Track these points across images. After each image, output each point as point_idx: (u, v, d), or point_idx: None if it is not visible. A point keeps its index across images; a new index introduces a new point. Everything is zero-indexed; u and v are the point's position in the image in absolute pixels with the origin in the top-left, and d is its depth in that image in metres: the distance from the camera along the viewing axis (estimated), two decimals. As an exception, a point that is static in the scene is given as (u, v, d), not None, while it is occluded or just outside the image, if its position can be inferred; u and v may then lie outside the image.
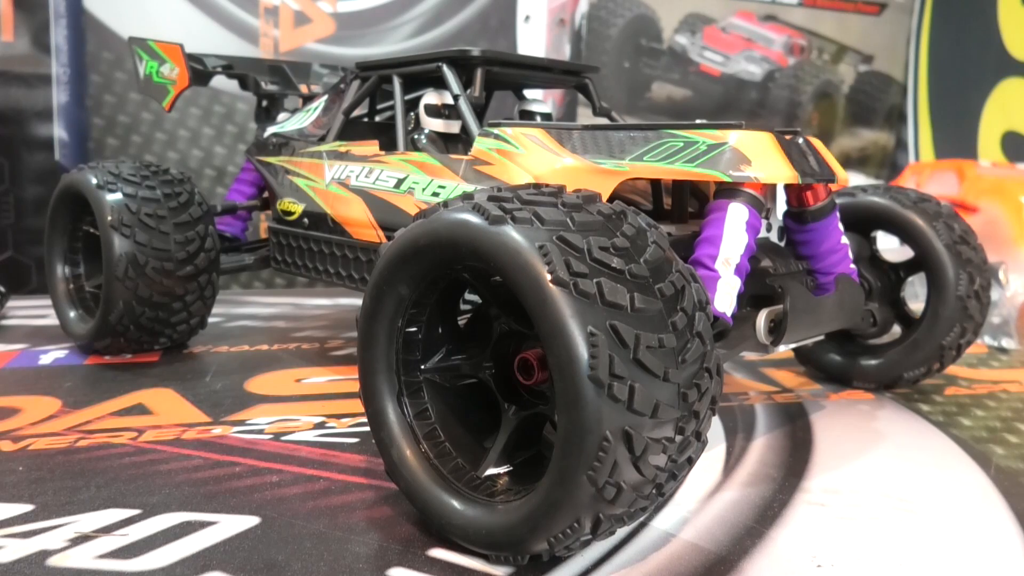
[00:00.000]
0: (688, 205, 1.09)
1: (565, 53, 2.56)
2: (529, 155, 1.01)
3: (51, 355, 1.41)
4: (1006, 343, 1.65)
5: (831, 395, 1.27)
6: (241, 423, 1.08)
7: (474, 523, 0.70)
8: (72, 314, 1.44)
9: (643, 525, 0.80)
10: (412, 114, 1.27)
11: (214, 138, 2.23)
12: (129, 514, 0.80)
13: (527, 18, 2.47)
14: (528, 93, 1.44)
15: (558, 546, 0.65)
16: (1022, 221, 1.91)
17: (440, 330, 0.80)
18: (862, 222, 1.23)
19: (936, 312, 1.17)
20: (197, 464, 0.94)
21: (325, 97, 1.44)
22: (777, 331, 0.93)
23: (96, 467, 0.92)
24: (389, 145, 1.23)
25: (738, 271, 0.89)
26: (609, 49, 2.62)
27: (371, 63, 1.31)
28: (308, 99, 1.58)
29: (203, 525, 0.78)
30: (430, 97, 1.24)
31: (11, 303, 1.86)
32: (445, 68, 1.18)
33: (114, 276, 1.27)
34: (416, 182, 1.12)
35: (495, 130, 1.06)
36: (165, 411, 1.12)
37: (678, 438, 0.63)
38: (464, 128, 1.20)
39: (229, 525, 0.78)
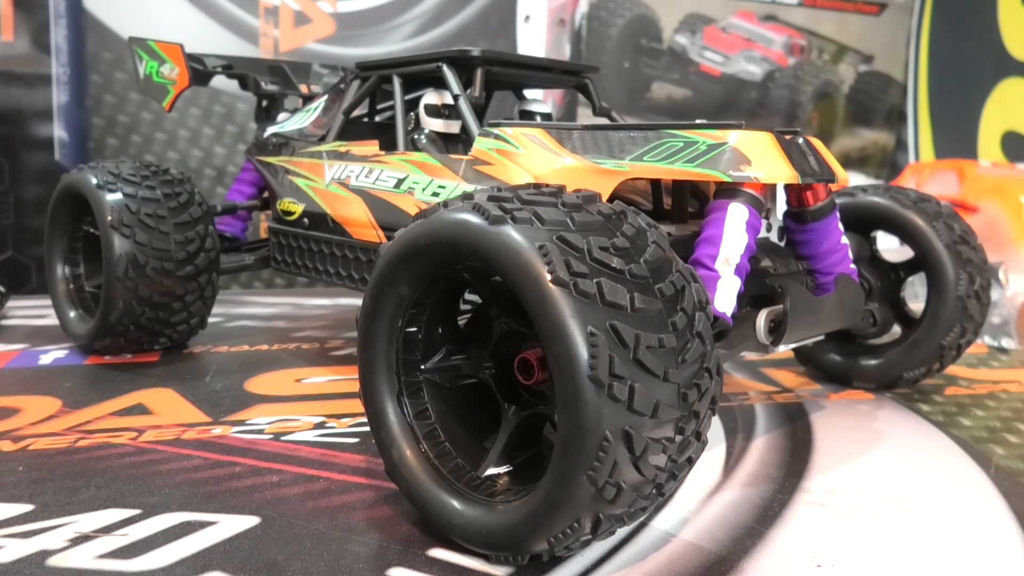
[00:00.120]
0: (688, 205, 1.09)
1: (565, 53, 2.56)
2: (529, 155, 1.01)
3: (51, 355, 1.41)
4: (1006, 343, 1.65)
5: (831, 395, 1.27)
6: (241, 423, 1.08)
7: (474, 523, 0.70)
8: (72, 314, 1.44)
9: (643, 525, 0.80)
10: (412, 114, 1.27)
11: (214, 138, 2.23)
12: (129, 514, 0.80)
13: (527, 18, 2.47)
14: (528, 93, 1.44)
15: (558, 546, 0.65)
16: (1022, 221, 1.91)
17: (440, 330, 0.80)
18: (862, 222, 1.23)
19: (936, 312, 1.17)
20: (197, 464, 0.94)
21: (325, 97, 1.44)
22: (777, 331, 0.93)
23: (96, 467, 0.92)
24: (389, 145, 1.23)
25: (738, 271, 0.89)
26: (609, 49, 2.62)
27: (371, 63, 1.31)
28: (308, 99, 1.58)
29: (203, 525, 0.78)
30: (430, 97, 1.24)
31: (11, 303, 1.86)
32: (445, 68, 1.18)
33: (114, 276, 1.27)
34: (416, 182, 1.12)
35: (495, 130, 1.06)
36: (165, 411, 1.12)
37: (678, 438, 0.63)
38: (464, 128, 1.20)
39: (229, 525, 0.78)
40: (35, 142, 2.05)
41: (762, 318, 0.93)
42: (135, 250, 1.27)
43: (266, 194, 1.57)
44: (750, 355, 1.36)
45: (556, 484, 0.62)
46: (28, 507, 0.81)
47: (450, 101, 1.23)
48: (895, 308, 1.25)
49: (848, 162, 2.94)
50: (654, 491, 0.64)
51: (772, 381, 1.34)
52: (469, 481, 0.74)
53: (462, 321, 0.82)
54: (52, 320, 1.54)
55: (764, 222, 0.95)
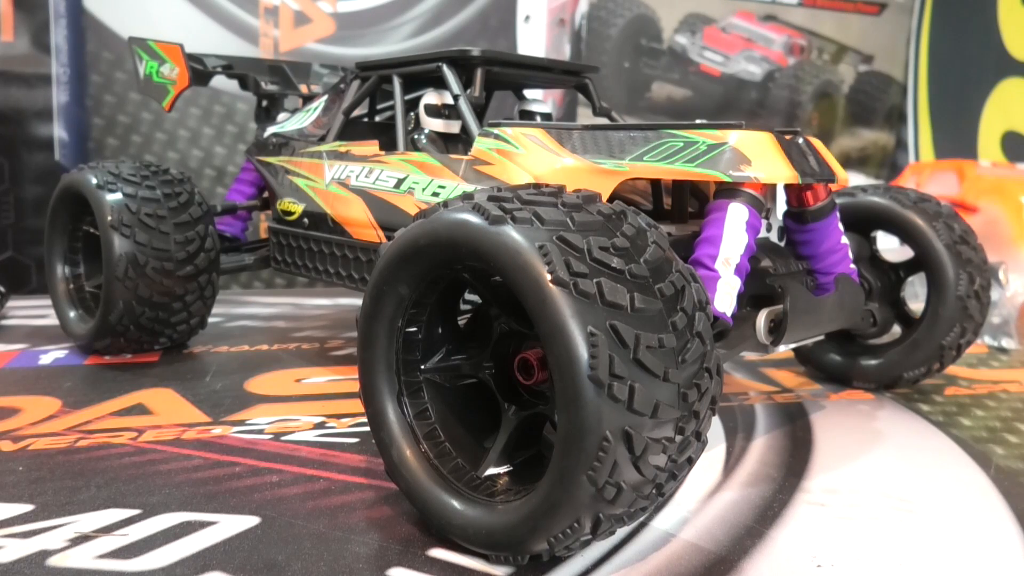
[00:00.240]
0: (688, 205, 1.09)
1: (565, 53, 2.56)
2: (529, 155, 1.01)
3: (51, 355, 1.41)
4: (1006, 343, 1.65)
5: (831, 395, 1.27)
6: (241, 423, 1.08)
7: (474, 523, 0.70)
8: (72, 314, 1.44)
9: (643, 525, 0.80)
10: (412, 114, 1.27)
11: (214, 138, 2.23)
12: (129, 514, 0.80)
13: (527, 18, 2.47)
14: (528, 93, 1.44)
15: (558, 546, 0.65)
16: (1022, 221, 1.91)
17: (440, 330, 0.80)
18: (862, 222, 1.23)
19: (936, 312, 1.17)
20: (197, 464, 0.94)
21: (325, 97, 1.44)
22: (777, 331, 0.93)
23: (96, 467, 0.92)
24: (389, 145, 1.23)
25: (738, 271, 0.89)
26: (609, 49, 2.62)
27: (371, 63, 1.31)
28: (308, 99, 1.58)
29: (203, 525, 0.78)
30: (430, 97, 1.24)
31: (11, 303, 1.86)
32: (445, 68, 1.18)
33: (114, 276, 1.27)
34: (416, 182, 1.12)
35: (495, 130, 1.06)
36: (165, 411, 1.12)
37: (678, 438, 0.63)
38: (464, 128, 1.20)
39: (229, 525, 0.78)
40: (35, 142, 2.05)
41: (762, 318, 0.93)
42: (135, 250, 1.27)
43: (266, 194, 1.57)
44: (750, 355, 1.36)
45: (556, 484, 0.62)
46: (28, 507, 0.81)
47: (450, 101, 1.23)
48: (895, 308, 1.25)
49: (848, 162, 2.94)
50: (654, 491, 0.64)
51: (772, 381, 1.34)
52: (469, 481, 0.74)
53: (462, 321, 0.82)
54: (52, 320, 1.54)
55: (764, 222, 0.95)
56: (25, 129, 2.03)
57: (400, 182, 1.15)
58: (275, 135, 1.44)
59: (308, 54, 2.23)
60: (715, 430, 1.08)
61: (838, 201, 1.16)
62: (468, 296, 0.81)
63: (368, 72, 1.31)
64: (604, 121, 1.35)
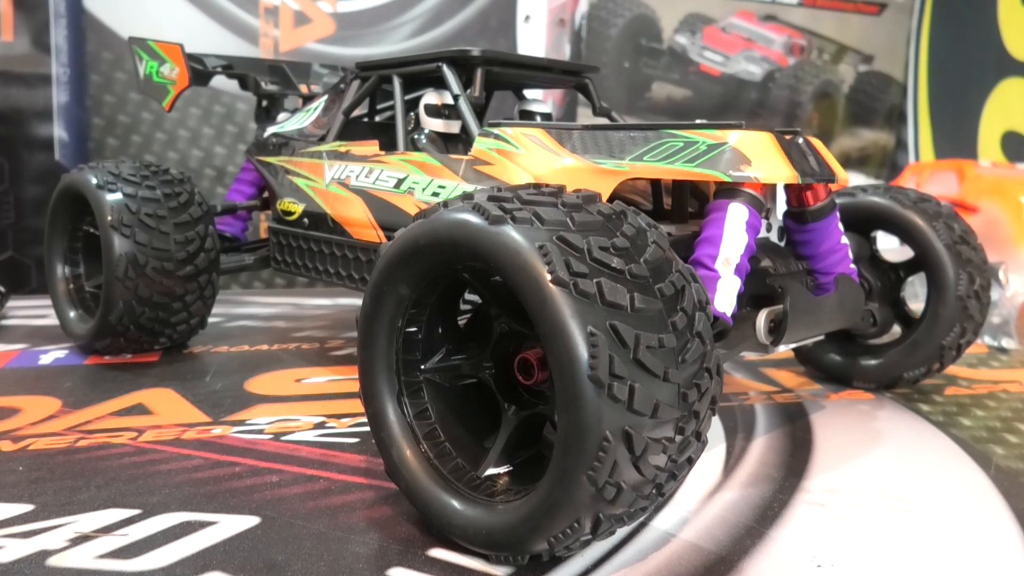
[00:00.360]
0: (688, 205, 1.09)
1: (565, 53, 2.56)
2: (529, 155, 1.01)
3: (51, 355, 1.41)
4: (1006, 343, 1.65)
5: (831, 395, 1.27)
6: (241, 423, 1.08)
7: (474, 523, 0.70)
8: (72, 314, 1.44)
9: (643, 525, 0.80)
10: (412, 114, 1.27)
11: (214, 138, 2.23)
12: (129, 514, 0.80)
13: (527, 18, 2.47)
14: (528, 93, 1.44)
15: (558, 546, 0.65)
16: (1022, 221, 1.91)
17: (440, 330, 0.80)
18: (862, 222, 1.23)
19: (936, 312, 1.17)
20: (197, 464, 0.94)
21: (325, 97, 1.44)
22: (777, 331, 0.93)
23: (96, 467, 0.92)
24: (389, 145, 1.23)
25: (738, 271, 0.89)
26: (609, 49, 2.62)
27: (371, 63, 1.30)
28: (308, 99, 1.58)
29: (203, 525, 0.78)
30: (430, 97, 1.24)
31: (11, 303, 1.86)
32: (445, 68, 1.18)
33: (114, 276, 1.27)
34: (416, 182, 1.12)
35: (495, 130, 1.06)
36: (165, 411, 1.12)
37: (678, 438, 0.63)
38: (464, 128, 1.20)
39: (229, 525, 0.78)
40: (35, 142, 2.05)
41: (762, 318, 0.93)
42: (135, 250, 1.27)
43: (266, 194, 1.57)
44: (750, 355, 1.36)
45: (556, 484, 0.62)
46: (28, 507, 0.81)
47: (450, 101, 1.23)
48: (895, 308, 1.25)
49: (848, 162, 2.93)
50: (654, 491, 0.64)
51: (772, 381, 1.34)
52: (469, 481, 0.74)
53: (462, 321, 0.82)
54: (52, 320, 1.54)
55: (764, 222, 0.95)
56: (25, 129, 2.03)
57: (400, 182, 1.15)
58: (275, 135, 1.44)
59: (308, 54, 2.23)
60: (715, 430, 1.08)
61: (838, 201, 1.16)
62: (468, 296, 0.81)
63: (368, 72, 1.31)
64: (604, 121, 1.35)
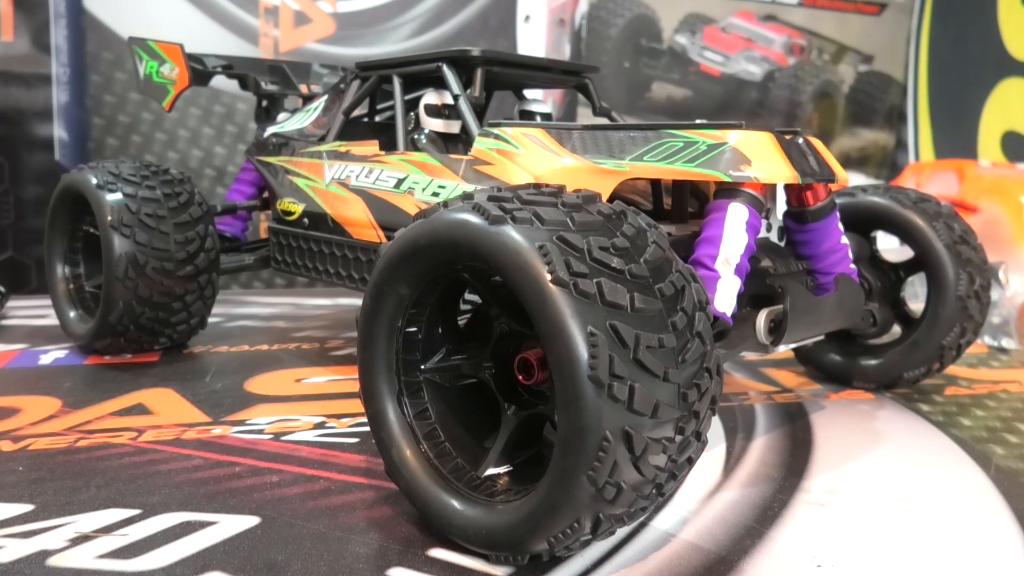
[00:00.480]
0: (688, 205, 1.09)
1: (565, 53, 2.56)
2: (529, 155, 1.01)
3: (51, 355, 1.41)
4: (1006, 343, 1.65)
5: (831, 395, 1.27)
6: (241, 423, 1.08)
7: (474, 523, 0.70)
8: (72, 314, 1.44)
9: (643, 525, 0.80)
10: (412, 114, 1.27)
11: (214, 138, 2.23)
12: (129, 514, 0.80)
13: (527, 18, 2.47)
14: (528, 93, 1.44)
15: (558, 546, 0.65)
16: (1022, 221, 1.91)
17: (440, 330, 0.80)
18: (862, 222, 1.23)
19: (936, 312, 1.17)
20: (197, 464, 0.94)
21: (325, 97, 1.44)
22: (777, 331, 0.93)
23: (96, 467, 0.92)
24: (389, 145, 1.23)
25: (738, 271, 0.89)
26: (609, 49, 2.62)
27: (371, 63, 1.30)
28: (308, 99, 1.58)
29: (203, 525, 0.78)
30: (430, 97, 1.24)
31: (11, 303, 1.86)
32: (445, 68, 1.18)
33: (114, 276, 1.27)
34: (416, 182, 1.12)
35: (495, 130, 1.06)
36: (165, 411, 1.12)
37: (678, 438, 0.63)
38: (464, 128, 1.20)
39: (229, 525, 0.78)
40: (35, 142, 2.05)
41: (762, 318, 0.93)
42: (135, 250, 1.27)
43: (266, 194, 1.57)
44: (750, 355, 1.36)
45: (556, 484, 0.62)
46: (28, 507, 0.81)
47: (450, 101, 1.23)
48: (895, 308, 1.25)
49: (848, 162, 2.93)
50: (654, 491, 0.64)
51: (772, 381, 1.34)
52: (469, 481, 0.74)
53: (462, 321, 0.82)
54: (52, 320, 1.54)
55: (764, 222, 0.95)
56: (25, 129, 2.03)
57: (400, 182, 1.15)
58: (275, 135, 1.44)
59: (308, 54, 2.23)
60: (715, 430, 1.08)
61: (838, 201, 1.16)
62: (468, 296, 0.81)
63: (368, 72, 1.31)
64: (604, 121, 1.35)
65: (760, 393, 1.27)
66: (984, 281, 1.18)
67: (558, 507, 0.62)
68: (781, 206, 1.03)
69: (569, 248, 0.62)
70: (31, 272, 2.08)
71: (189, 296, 1.35)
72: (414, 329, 0.77)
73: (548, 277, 0.60)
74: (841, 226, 1.04)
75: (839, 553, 0.75)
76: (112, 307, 1.29)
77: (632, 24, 2.63)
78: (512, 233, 0.63)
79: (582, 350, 0.58)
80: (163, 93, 1.51)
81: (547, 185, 0.73)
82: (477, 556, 0.72)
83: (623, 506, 0.62)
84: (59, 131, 2.06)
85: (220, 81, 1.71)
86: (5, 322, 1.69)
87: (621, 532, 0.78)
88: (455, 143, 1.26)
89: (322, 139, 1.34)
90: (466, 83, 1.21)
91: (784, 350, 1.00)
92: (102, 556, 0.72)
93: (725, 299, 0.88)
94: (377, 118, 1.51)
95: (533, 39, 2.49)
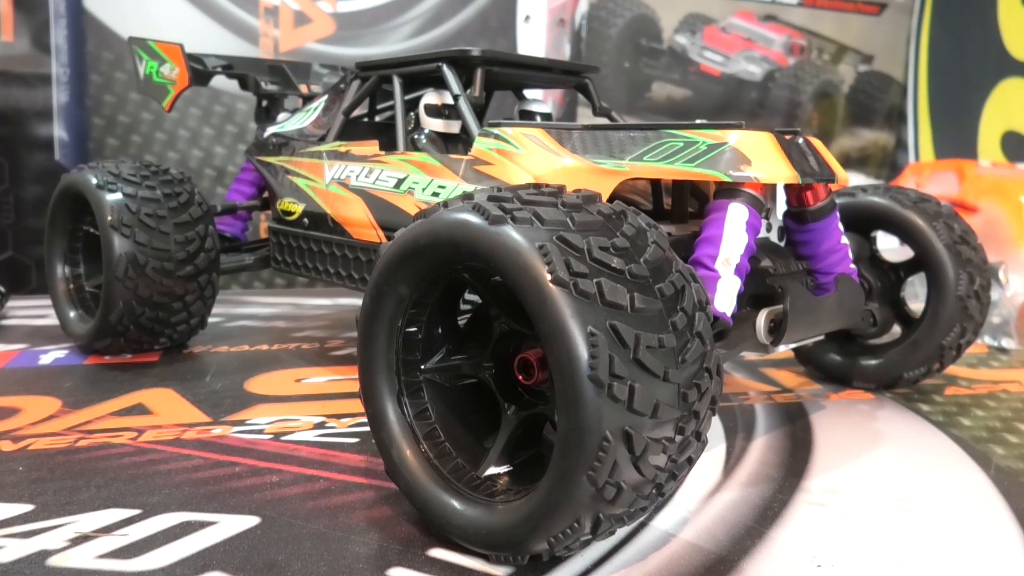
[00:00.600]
0: (688, 205, 1.09)
1: (565, 53, 2.56)
2: (529, 155, 1.01)
3: (51, 355, 1.41)
4: (1006, 343, 1.65)
5: (831, 395, 1.27)
6: (241, 423, 1.08)
7: (474, 523, 0.70)
8: (72, 314, 1.44)
9: (643, 525, 0.80)
10: (412, 114, 1.27)
11: (214, 138, 2.23)
12: (129, 514, 0.80)
13: (527, 18, 2.47)
14: (528, 93, 1.44)
15: (558, 546, 0.65)
16: (1022, 221, 1.91)
17: (440, 330, 0.80)
18: (862, 222, 1.23)
19: (936, 312, 1.17)
20: (197, 464, 0.94)
21: (325, 97, 1.44)
22: (777, 331, 0.93)
23: (96, 467, 0.92)
24: (389, 145, 1.23)
25: (738, 271, 0.89)
26: (609, 49, 2.62)
27: (371, 63, 1.31)
28: (308, 99, 1.58)
29: (203, 525, 0.78)
30: (430, 97, 1.24)
31: (11, 303, 1.86)
32: (445, 68, 1.18)
33: (114, 276, 1.27)
34: (416, 182, 1.12)
35: (495, 130, 1.06)
36: (165, 411, 1.12)
37: (678, 438, 0.63)
38: (464, 128, 1.20)
39: (229, 525, 0.78)
40: (35, 142, 2.05)
41: (762, 318, 0.93)
42: (135, 250, 1.27)
43: (266, 194, 1.57)
44: (750, 355, 1.36)
45: (556, 484, 0.62)
46: (28, 507, 0.81)
47: (450, 101, 1.23)
48: (895, 308, 1.25)
49: (848, 162, 2.93)
50: (654, 491, 0.64)
51: (772, 381, 1.34)
52: (469, 481, 0.74)
53: (462, 321, 0.82)
54: (52, 320, 1.54)
55: (764, 222, 0.95)
56: (25, 129, 2.03)
57: (400, 182, 1.15)
58: (275, 135, 1.44)
59: (308, 54, 2.23)
60: (715, 430, 1.08)
61: (838, 201, 1.16)
62: (468, 296, 0.81)
63: (368, 72, 1.31)
64: (604, 121, 1.35)
65: (760, 393, 1.27)
66: (984, 281, 1.18)
67: (558, 507, 0.62)
68: (781, 206, 1.03)
69: (569, 248, 0.62)
70: (31, 272, 2.08)
71: (189, 296, 1.35)
72: (414, 329, 0.77)
73: (548, 277, 0.60)
74: (841, 226, 1.04)
75: (839, 553, 0.76)
76: (112, 307, 1.29)
77: (632, 24, 2.63)
78: (512, 233, 0.63)
79: (582, 350, 0.58)
80: (163, 93, 1.51)
81: (547, 185, 0.73)
82: (477, 556, 0.72)
83: (623, 506, 0.62)
84: (59, 131, 2.06)
85: (220, 81, 1.71)
86: (5, 322, 1.69)
87: (621, 532, 0.78)
88: (455, 143, 1.25)
89: (322, 139, 1.34)
90: (466, 83, 1.21)
91: (784, 350, 1.00)
92: (102, 556, 0.72)
93: (725, 299, 0.88)
94: (377, 118, 1.51)
95: (533, 39, 2.49)
